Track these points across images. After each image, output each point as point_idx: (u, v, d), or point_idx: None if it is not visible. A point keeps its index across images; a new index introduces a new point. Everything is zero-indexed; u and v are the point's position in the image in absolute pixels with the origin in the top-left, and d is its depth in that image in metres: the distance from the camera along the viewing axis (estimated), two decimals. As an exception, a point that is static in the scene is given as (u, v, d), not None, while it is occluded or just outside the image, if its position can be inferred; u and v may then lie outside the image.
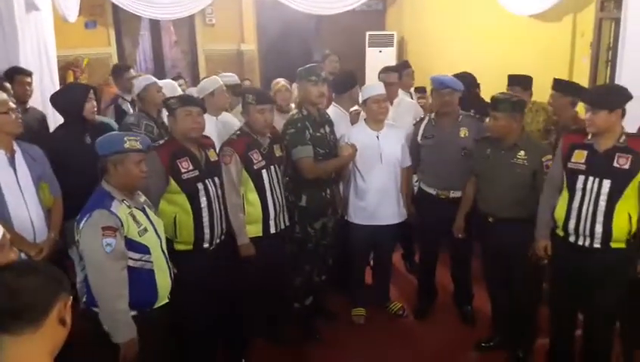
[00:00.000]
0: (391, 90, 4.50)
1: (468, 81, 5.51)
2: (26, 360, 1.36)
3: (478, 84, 5.79)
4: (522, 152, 3.39)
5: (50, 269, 1.49)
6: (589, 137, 3.01)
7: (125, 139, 2.60)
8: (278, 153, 3.59)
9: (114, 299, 2.49)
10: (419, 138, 4.02)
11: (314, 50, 9.63)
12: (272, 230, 3.54)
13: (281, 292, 3.81)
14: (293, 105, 4.56)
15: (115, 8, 8.30)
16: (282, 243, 3.69)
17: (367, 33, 9.17)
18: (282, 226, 3.61)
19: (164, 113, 4.28)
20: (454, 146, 3.87)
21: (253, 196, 3.46)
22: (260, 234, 3.50)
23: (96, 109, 3.72)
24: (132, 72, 5.43)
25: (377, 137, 3.90)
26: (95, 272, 2.47)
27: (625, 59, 4.26)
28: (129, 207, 2.59)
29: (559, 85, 4.08)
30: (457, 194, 3.90)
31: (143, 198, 2.76)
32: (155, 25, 9.28)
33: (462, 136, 3.88)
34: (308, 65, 3.81)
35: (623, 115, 2.93)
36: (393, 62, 8.78)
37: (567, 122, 3.97)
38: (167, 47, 9.58)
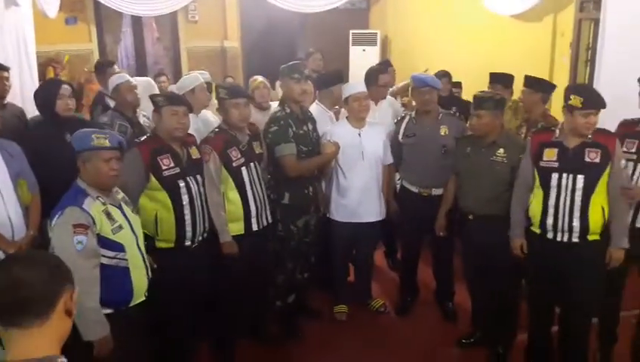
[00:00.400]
0: (384, 90, 4.55)
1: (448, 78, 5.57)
2: (35, 351, 1.36)
3: (456, 83, 5.84)
4: (501, 150, 3.43)
5: (55, 260, 1.48)
6: (557, 134, 3.09)
7: (93, 136, 2.56)
8: (257, 150, 3.57)
9: (84, 297, 2.43)
10: (400, 137, 4.04)
11: (298, 48, 9.62)
12: (255, 227, 3.53)
13: (263, 290, 3.80)
14: (271, 103, 4.55)
15: (97, 4, 8.21)
16: (265, 241, 3.67)
17: (351, 32, 9.17)
18: (264, 223, 3.60)
19: (141, 113, 4.24)
20: (435, 144, 3.90)
21: (234, 194, 3.44)
22: (242, 232, 3.48)
23: (72, 107, 3.64)
24: (116, 67, 5.35)
25: (359, 135, 3.91)
26: None
27: (604, 58, 4.32)
28: (104, 203, 2.56)
29: (530, 82, 4.13)
30: (439, 191, 3.92)
31: (120, 195, 2.73)
32: (137, 21, 9.20)
33: (442, 134, 3.90)
34: (291, 63, 3.80)
35: None
36: (377, 61, 8.80)
37: (537, 118, 4.02)
38: (149, 43, 9.51)
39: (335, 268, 4.24)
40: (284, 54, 8.16)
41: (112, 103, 4.59)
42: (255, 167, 3.52)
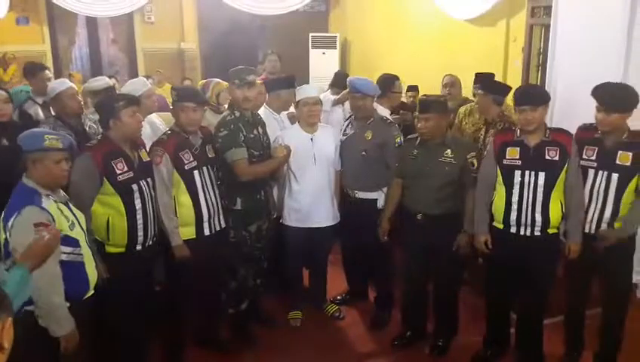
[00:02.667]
0: (398, 96, 4.89)
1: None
2: None
3: (412, 87, 5.85)
4: (449, 151, 3.48)
5: None
6: (518, 134, 3.21)
7: (45, 137, 2.56)
8: (210, 154, 3.52)
9: (52, 294, 2.47)
10: (341, 135, 4.09)
11: (258, 51, 9.57)
12: (207, 232, 3.48)
13: (215, 296, 3.75)
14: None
15: (50, 4, 8.05)
16: (217, 247, 3.60)
17: (311, 35, 9.18)
18: (217, 228, 3.55)
19: (86, 118, 4.08)
20: (356, 148, 3.93)
21: (185, 198, 3.38)
22: (194, 237, 3.43)
23: (7, 112, 3.59)
24: (47, 72, 4.99)
25: (311, 139, 3.88)
26: None
27: (555, 63, 4.40)
28: (55, 201, 2.56)
29: (484, 85, 4.12)
30: (361, 195, 3.97)
31: (62, 192, 2.72)
32: (92, 22, 9.04)
33: (366, 138, 3.91)
34: (238, 67, 3.69)
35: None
36: (336, 64, 8.83)
37: (494, 119, 4.05)
38: (104, 45, 9.35)
39: (289, 274, 4.20)
40: (243, 56, 8.10)
41: (31, 109, 4.36)
42: (208, 170, 3.48)
